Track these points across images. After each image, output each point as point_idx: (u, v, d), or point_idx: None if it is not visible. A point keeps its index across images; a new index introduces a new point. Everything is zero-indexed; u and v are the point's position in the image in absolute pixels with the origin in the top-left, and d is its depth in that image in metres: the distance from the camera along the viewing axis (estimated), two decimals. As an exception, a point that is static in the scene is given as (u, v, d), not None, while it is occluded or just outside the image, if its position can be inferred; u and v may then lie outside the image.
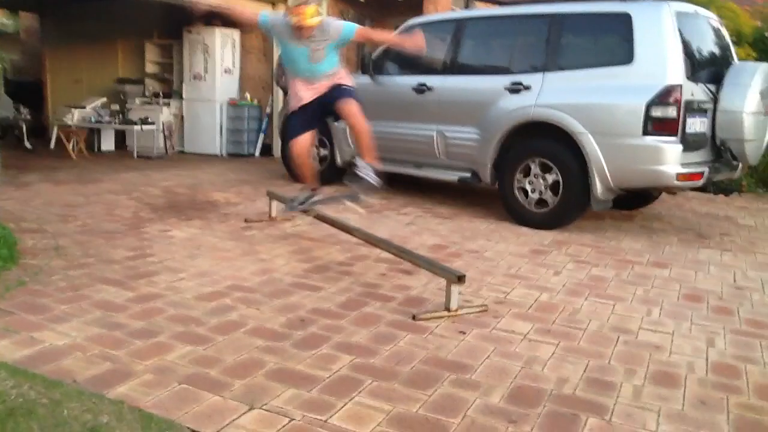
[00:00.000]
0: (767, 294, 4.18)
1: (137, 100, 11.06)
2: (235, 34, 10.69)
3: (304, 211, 5.03)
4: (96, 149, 10.70)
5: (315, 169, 5.23)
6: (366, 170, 4.65)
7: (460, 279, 3.54)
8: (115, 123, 10.44)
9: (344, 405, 2.53)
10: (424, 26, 7.04)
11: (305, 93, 4.73)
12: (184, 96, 10.84)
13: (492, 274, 4.35)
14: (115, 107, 10.79)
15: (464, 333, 3.31)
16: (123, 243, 4.79)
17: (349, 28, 4.63)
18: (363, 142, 4.76)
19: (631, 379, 2.86)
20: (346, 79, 4.82)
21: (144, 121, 10.12)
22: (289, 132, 5.06)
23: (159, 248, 4.68)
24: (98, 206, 6.10)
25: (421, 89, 6.57)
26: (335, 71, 4.75)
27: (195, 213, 5.93)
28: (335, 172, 7.53)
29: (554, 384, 2.79)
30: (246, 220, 5.63)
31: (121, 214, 5.80)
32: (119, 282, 3.89)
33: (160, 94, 11.16)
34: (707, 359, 3.12)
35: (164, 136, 10.59)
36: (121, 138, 11.02)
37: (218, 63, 10.46)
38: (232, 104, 10.60)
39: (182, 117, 10.93)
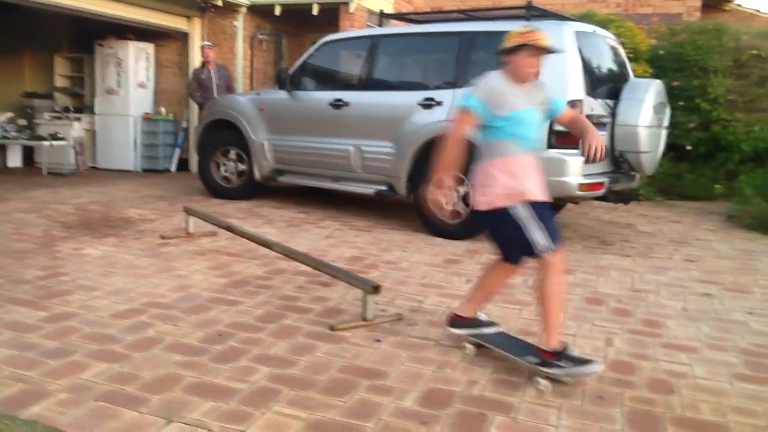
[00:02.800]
0: (662, 296, 4.49)
1: (46, 115, 10.70)
2: (149, 48, 10.53)
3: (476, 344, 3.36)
4: (2, 166, 10.28)
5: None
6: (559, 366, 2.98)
7: (376, 289, 3.67)
8: (22, 139, 10.08)
9: (262, 415, 2.60)
10: (340, 43, 7.21)
11: (532, 182, 3.10)
12: (96, 111, 10.58)
13: (407, 284, 4.49)
14: (23, 122, 10.42)
15: (380, 341, 3.43)
16: (34, 262, 4.68)
17: (558, 102, 3.28)
18: (551, 315, 3.04)
19: (537, 379, 3.05)
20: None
21: (54, 137, 9.82)
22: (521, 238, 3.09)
23: (72, 267, 4.59)
24: (6, 225, 5.90)
25: (337, 104, 6.70)
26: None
27: (109, 230, 5.83)
28: (253, 187, 7.56)
29: (464, 386, 2.95)
30: (162, 237, 5.58)
31: (32, 232, 5.64)
32: (31, 302, 3.81)
33: (71, 108, 10.85)
34: (605, 357, 3.35)
35: (75, 152, 10.29)
36: (29, 154, 10.63)
37: (132, 77, 10.27)
38: (147, 119, 10.42)
39: (94, 132, 10.66)
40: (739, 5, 12.48)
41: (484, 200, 3.11)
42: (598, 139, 3.15)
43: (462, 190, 5.85)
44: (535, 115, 3.15)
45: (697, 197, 8.60)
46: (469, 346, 3.32)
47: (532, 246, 3.02)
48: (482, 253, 5.46)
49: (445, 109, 5.94)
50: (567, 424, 2.65)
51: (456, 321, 3.38)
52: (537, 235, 3.01)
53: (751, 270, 5.29)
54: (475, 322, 3.38)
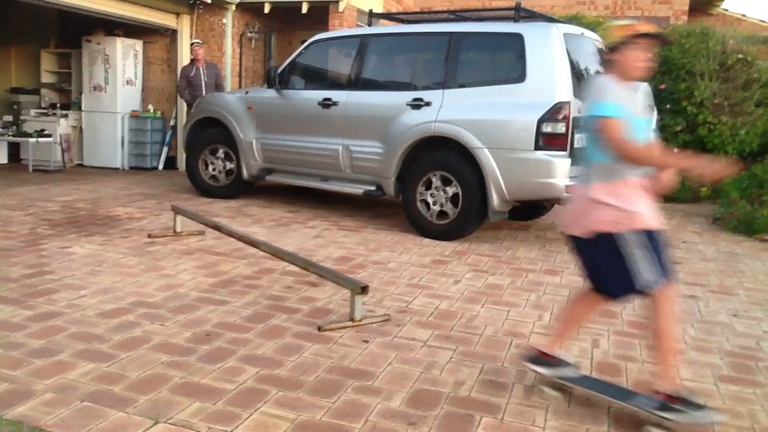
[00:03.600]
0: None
1: (32, 111, 10.61)
2: (137, 45, 10.47)
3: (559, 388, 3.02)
4: (-13, 162, 10.20)
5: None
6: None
7: (364, 290, 3.67)
8: (8, 135, 9.98)
9: (250, 416, 2.60)
10: (329, 42, 7.21)
11: (646, 207, 2.75)
12: (83, 107, 10.50)
13: (395, 284, 4.50)
14: (8, 118, 10.32)
15: (367, 342, 3.44)
16: (20, 260, 4.64)
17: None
18: (668, 352, 2.75)
19: (523, 380, 3.07)
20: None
21: (40, 133, 9.74)
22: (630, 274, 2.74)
23: (58, 265, 4.56)
24: (-9, 223, 5.86)
25: (326, 104, 6.69)
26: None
27: (96, 228, 5.79)
28: (242, 186, 7.54)
29: (451, 387, 2.96)
30: (150, 236, 5.56)
31: (17, 230, 5.59)
32: (16, 301, 3.79)
33: (58, 105, 10.76)
34: (592, 359, 3.38)
35: (62, 149, 10.21)
36: (15, 151, 10.54)
37: (120, 74, 10.20)
38: (135, 116, 10.36)
39: (81, 129, 10.58)
40: (726, 9, 12.60)
41: (584, 225, 2.74)
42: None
43: (450, 191, 5.87)
44: (644, 125, 2.80)
45: (683, 200, 8.67)
46: (550, 391, 2.94)
47: (633, 279, 2.68)
48: (470, 253, 5.48)
49: (434, 110, 5.95)
50: (554, 425, 2.67)
51: (539, 358, 2.98)
52: (643, 267, 2.67)
53: (735, 272, 5.34)
54: (559, 362, 2.96)
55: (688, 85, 8.82)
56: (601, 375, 3.17)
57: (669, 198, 8.70)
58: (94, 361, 3.02)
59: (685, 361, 3.40)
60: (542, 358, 2.97)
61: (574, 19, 8.39)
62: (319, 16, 9.95)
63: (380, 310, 3.93)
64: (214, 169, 7.62)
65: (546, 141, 5.45)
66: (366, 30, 7.07)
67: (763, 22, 12.17)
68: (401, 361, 3.22)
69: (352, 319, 3.66)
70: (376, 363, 3.18)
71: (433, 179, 5.97)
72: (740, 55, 8.89)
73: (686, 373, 3.23)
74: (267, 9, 9.99)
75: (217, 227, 5.10)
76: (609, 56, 2.80)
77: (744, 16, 12.42)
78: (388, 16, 8.00)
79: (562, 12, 10.27)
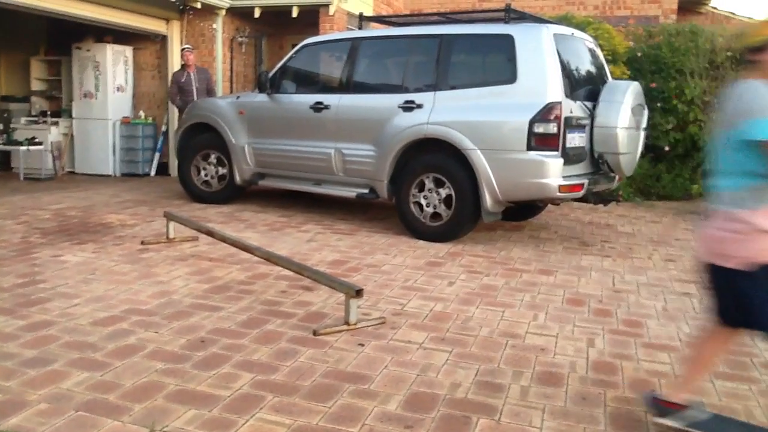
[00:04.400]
0: (642, 296, 4.54)
1: (23, 119, 10.57)
2: (127, 51, 10.44)
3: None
4: (-23, 171, 10.15)
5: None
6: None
7: (359, 293, 3.67)
8: (-2, 143, 9.95)
9: (246, 422, 2.59)
10: (320, 45, 7.20)
11: None
12: (74, 114, 10.46)
13: (390, 287, 4.50)
14: (-1, 127, 10.28)
15: (363, 345, 3.43)
16: (12, 269, 4.61)
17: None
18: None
19: (519, 381, 3.07)
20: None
21: (31, 141, 9.69)
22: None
23: (51, 274, 4.54)
24: (-18, 232, 5.82)
25: (318, 107, 6.68)
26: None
27: (88, 236, 5.76)
28: (234, 191, 7.52)
29: (448, 389, 2.96)
30: (143, 242, 5.53)
31: (9, 239, 5.56)
32: (9, 310, 3.76)
33: (48, 112, 10.72)
34: (588, 358, 3.38)
35: (53, 157, 10.16)
36: (5, 159, 10.49)
37: (110, 80, 10.17)
38: (126, 123, 10.32)
39: (72, 136, 10.54)
40: (715, 8, 12.64)
41: (741, 256, 2.44)
42: None
43: (443, 192, 5.87)
44: None
45: (675, 197, 8.70)
46: None
47: None
48: (464, 255, 5.48)
49: (426, 112, 5.96)
50: (550, 425, 2.67)
51: (665, 408, 2.66)
52: None
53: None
54: (687, 407, 2.63)
55: (678, 84, 8.83)
56: (597, 374, 3.18)
57: (661, 196, 8.74)
58: (88, 370, 3.01)
59: (683, 358, 3.40)
60: (669, 408, 2.65)
61: (564, 20, 8.40)
62: (310, 20, 9.95)
63: (375, 313, 3.92)
64: (206, 175, 7.60)
65: (538, 141, 5.46)
66: (357, 33, 7.07)
67: (752, 19, 12.24)
68: (397, 364, 3.21)
69: (347, 323, 3.65)
70: (372, 366, 3.17)
71: (426, 181, 5.97)
72: (729, 53, 8.92)
73: (682, 371, 3.23)
74: (257, 13, 9.98)
75: (210, 233, 5.08)
76: (753, 57, 2.49)
77: (732, 14, 12.46)
78: (379, 19, 8.01)
79: (551, 12, 10.27)
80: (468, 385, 3.01)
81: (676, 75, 8.88)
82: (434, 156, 5.96)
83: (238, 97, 7.62)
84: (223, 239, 4.92)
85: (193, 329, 3.58)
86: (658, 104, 8.61)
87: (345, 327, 3.62)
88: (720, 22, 11.70)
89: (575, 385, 3.06)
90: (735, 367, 3.32)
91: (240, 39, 10.64)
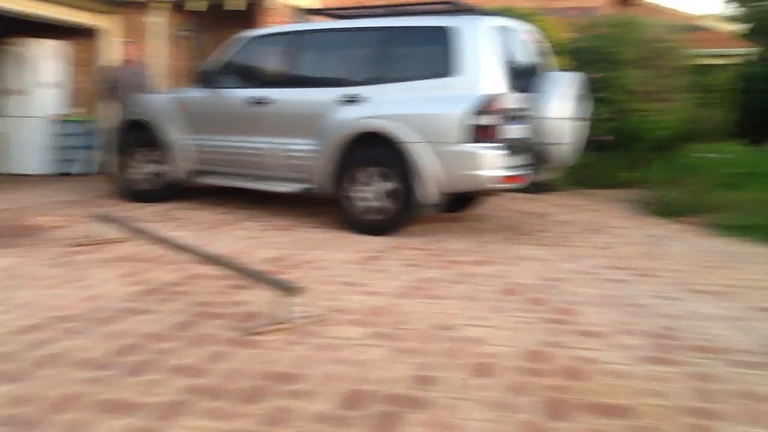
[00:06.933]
0: (576, 283, 4.60)
1: (-51, 119, 10.13)
2: (60, 46, 10.08)
3: None
4: None
5: None
6: None
7: (296, 291, 3.62)
8: None
9: (176, 429, 2.52)
10: (262, 39, 7.08)
11: None
12: (3, 113, 10.05)
13: (328, 283, 4.46)
14: None
15: (299, 344, 3.38)
16: (-70, 278, 4.40)
17: None
18: None
19: (455, 373, 3.07)
20: None
21: (-44, 142, 9.29)
22: None
23: (-27, 281, 4.35)
24: None
25: (259, 102, 6.58)
26: None
27: (15, 240, 5.54)
28: (172, 189, 7.35)
29: (385, 384, 2.94)
30: (73, 245, 5.34)
31: (-71, 245, 5.31)
32: (-75, 322, 3.58)
33: (-25, 111, 10.29)
34: (521, 347, 3.41)
35: (-19, 157, 9.77)
36: (-71, 160, 10.03)
37: (42, 76, 9.81)
38: (59, 120, 9.97)
39: (2, 135, 10.13)
40: (653, 1, 12.99)
41: None
42: None
43: (384, 186, 5.85)
44: None
45: (613, 186, 8.90)
46: None
47: None
48: (403, 248, 5.48)
49: (367, 106, 5.93)
50: (487, 416, 2.68)
51: None
52: None
53: (661, 255, 5.50)
54: None
55: (617, 74, 9.02)
56: (530, 363, 3.21)
57: (600, 185, 8.92)
58: (8, 382, 2.88)
59: (613, 344, 3.47)
60: None
61: (506, 11, 8.46)
62: (252, 14, 9.79)
63: (313, 310, 3.87)
64: (143, 173, 7.40)
65: (476, 133, 5.48)
66: (297, 27, 6.99)
67: (676, 11, 12.62)
68: (334, 362, 3.18)
69: (283, 322, 3.59)
70: (308, 365, 3.13)
71: (367, 175, 5.94)
72: (666, 44, 9.16)
73: (613, 357, 3.30)
74: (197, 7, 9.75)
75: (143, 233, 4.95)
76: None
77: (667, 6, 12.86)
78: (322, 12, 7.90)
79: (494, 4, 10.35)
80: (404, 379, 3.00)
81: (616, 65, 9.06)
82: (375, 150, 5.93)
83: (177, 93, 7.45)
84: (157, 239, 4.80)
85: (122, 334, 3.46)
86: (599, 94, 8.78)
87: (281, 326, 3.57)
88: (655, 14, 12.00)
89: (511, 375, 3.08)
90: (665, 351, 3.40)
91: (180, 33, 10.39)
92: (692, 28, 11.42)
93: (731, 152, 8.54)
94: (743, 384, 3.05)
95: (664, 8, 12.60)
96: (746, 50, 10.62)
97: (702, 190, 7.30)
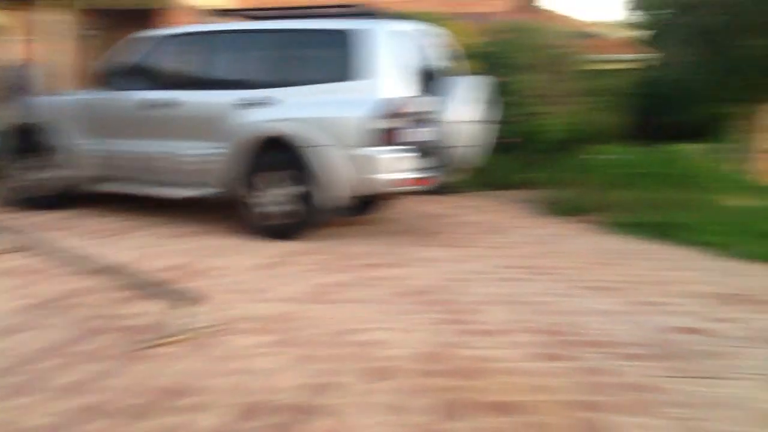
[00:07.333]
0: (476, 284, 4.68)
1: None
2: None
3: None
4: None
5: None
6: None
7: (194, 300, 3.55)
8: None
9: (58, 450, 2.41)
10: (165, 39, 6.87)
11: None
12: None
13: (230, 291, 4.36)
14: None
15: (196, 355, 3.30)
16: None
17: None
18: None
19: (354, 378, 3.08)
20: None
21: None
22: None
23: None
24: None
25: (163, 104, 6.38)
26: None
27: None
28: (69, 196, 7.01)
29: (282, 393, 2.91)
30: (-43, 258, 5.03)
31: None
32: None
33: None
34: (421, 349, 3.44)
35: None
36: None
37: None
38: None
39: None
40: (551, 8, 13.52)
41: None
42: None
43: (289, 190, 5.80)
44: None
45: (517, 187, 9.14)
46: None
47: None
48: (309, 253, 5.43)
49: (269, 109, 5.87)
50: (391, 420, 2.70)
51: None
52: None
53: (557, 253, 5.70)
54: None
55: (521, 78, 9.31)
56: (427, 365, 3.24)
57: (505, 186, 9.16)
58: None
59: (509, 342, 3.56)
60: None
61: (411, 15, 8.54)
62: (159, 14, 9.53)
63: (213, 319, 3.79)
64: (39, 179, 7.02)
65: (378, 137, 5.52)
66: (205, 27, 6.84)
67: (571, 17, 13.20)
68: (232, 373, 3.12)
69: (180, 333, 3.50)
70: (205, 378, 3.06)
71: (272, 179, 5.87)
72: (561, 50, 9.53)
73: (509, 354, 3.39)
74: (102, 5, 9.38)
75: (36, 242, 4.70)
76: None
77: (554, 12, 13.39)
78: (233, 13, 7.74)
79: (399, 7, 10.45)
80: (304, 387, 2.98)
81: (519, 69, 9.35)
82: (278, 153, 5.86)
83: (76, 95, 7.13)
84: (51, 249, 4.58)
85: (5, 353, 3.28)
86: (504, 98, 9.01)
87: (178, 338, 3.47)
88: (554, 21, 12.46)
89: (411, 377, 3.11)
90: (558, 347, 3.52)
91: (86, 33, 9.97)
92: (586, 35, 11.93)
93: (625, 153, 8.95)
94: (629, 376, 3.19)
95: (561, 15, 13.13)
96: (646, 56, 11.18)
97: (596, 189, 7.62)
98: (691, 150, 9.02)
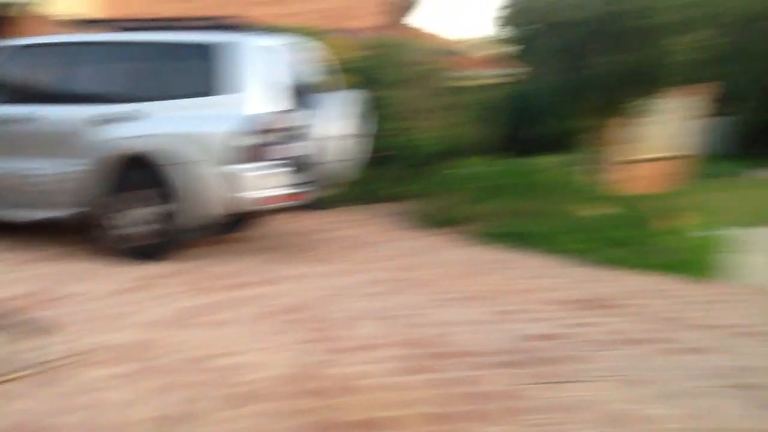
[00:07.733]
0: (344, 299, 4.69)
1: None
2: None
3: None
4: None
5: None
6: None
7: (45, 331, 3.30)
8: None
9: None
10: (18, 50, 6.38)
11: None
12: None
13: (87, 320, 4.09)
14: None
15: (41, 392, 3.05)
16: None
17: None
18: None
19: (220, 404, 2.97)
20: None
21: None
22: None
23: None
24: None
25: (15, 120, 5.92)
26: None
27: None
28: None
29: (140, 426, 2.76)
30: None
31: None
32: None
33: None
34: (286, 370, 3.37)
35: None
36: None
37: None
38: None
39: None
40: (418, 26, 13.90)
41: None
42: None
43: (153, 210, 5.55)
44: None
45: (389, 200, 9.27)
46: None
47: None
48: (175, 275, 5.21)
49: (130, 126, 5.60)
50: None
51: None
52: None
53: (430, 265, 5.83)
54: None
55: (391, 93, 9.47)
56: (306, 384, 3.19)
57: (380, 199, 9.26)
58: None
59: (379, 358, 3.58)
60: None
61: (282, 30, 8.46)
62: (14, 23, 8.90)
63: (69, 350, 3.53)
64: None
65: (245, 154, 5.39)
66: (61, 38, 6.44)
67: (437, 35, 13.67)
68: (86, 408, 2.92)
69: (29, 368, 3.23)
70: (53, 416, 2.84)
71: (133, 198, 5.59)
72: (426, 66, 9.81)
73: (378, 370, 3.40)
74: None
75: None
76: None
77: (420, 30, 13.80)
78: (95, 23, 7.29)
79: (272, 21, 10.33)
80: (166, 418, 2.84)
81: (390, 85, 9.51)
82: (139, 171, 5.58)
83: None
84: None
85: None
86: (377, 112, 9.12)
87: (23, 373, 3.20)
88: (417, 37, 12.80)
89: (280, 400, 3.04)
90: (426, 359, 3.57)
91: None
92: (451, 52, 12.37)
93: (489, 166, 9.33)
94: (492, 385, 3.29)
95: (428, 33, 13.54)
96: (515, 71, 11.67)
97: (464, 201, 7.88)
98: (548, 162, 9.55)
